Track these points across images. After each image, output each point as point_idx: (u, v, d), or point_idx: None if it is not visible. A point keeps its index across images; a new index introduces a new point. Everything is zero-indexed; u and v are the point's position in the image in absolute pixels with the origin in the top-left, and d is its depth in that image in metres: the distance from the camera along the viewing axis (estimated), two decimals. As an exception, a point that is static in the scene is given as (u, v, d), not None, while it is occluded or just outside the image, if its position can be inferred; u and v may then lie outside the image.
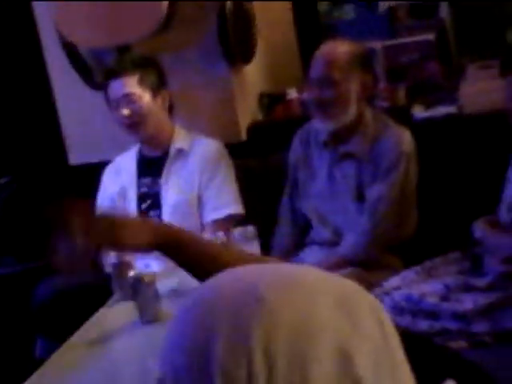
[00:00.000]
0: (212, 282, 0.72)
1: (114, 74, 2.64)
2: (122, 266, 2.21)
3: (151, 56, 2.74)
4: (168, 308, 2.08)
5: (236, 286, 0.69)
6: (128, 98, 2.60)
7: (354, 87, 2.41)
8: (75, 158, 3.29)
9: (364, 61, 2.46)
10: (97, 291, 2.50)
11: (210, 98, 3.05)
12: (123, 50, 2.90)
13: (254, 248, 2.11)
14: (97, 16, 2.85)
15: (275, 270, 0.74)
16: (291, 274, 0.71)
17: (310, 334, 0.64)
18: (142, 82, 2.61)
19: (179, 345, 0.67)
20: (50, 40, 3.13)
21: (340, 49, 2.43)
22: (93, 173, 2.89)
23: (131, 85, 2.60)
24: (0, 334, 2.92)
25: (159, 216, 2.66)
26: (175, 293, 2.18)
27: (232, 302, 0.66)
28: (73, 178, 3.21)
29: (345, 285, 0.71)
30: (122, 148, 2.84)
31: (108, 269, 2.63)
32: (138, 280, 2.03)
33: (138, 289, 2.02)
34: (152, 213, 2.69)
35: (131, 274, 2.09)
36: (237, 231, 2.17)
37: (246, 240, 2.12)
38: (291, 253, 2.58)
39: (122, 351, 1.96)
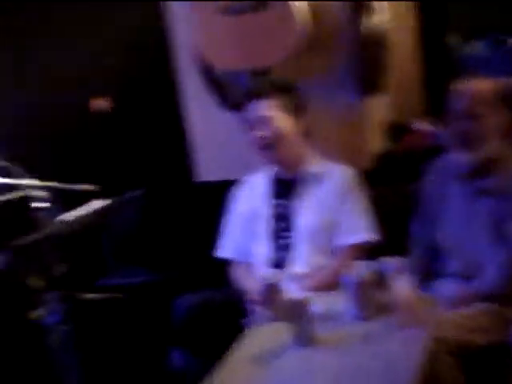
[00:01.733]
0: None
1: (255, 96, 2.71)
2: (273, 288, 2.27)
3: (292, 81, 2.80)
4: (318, 332, 2.13)
5: None
6: (264, 120, 2.67)
7: (496, 123, 2.45)
8: (203, 175, 3.37)
9: (508, 98, 2.49)
10: (232, 307, 2.58)
11: (340, 125, 3.10)
12: (259, 73, 2.97)
13: (406, 279, 2.14)
14: (235, 39, 2.94)
15: None
16: None
17: None
18: (279, 106, 2.68)
19: None
20: (184, 60, 3.22)
21: (484, 85, 2.47)
22: (218, 191, 2.97)
23: (269, 108, 2.67)
24: (130, 344, 3.01)
25: (291, 238, 2.72)
26: (322, 317, 2.23)
27: None
28: (198, 195, 3.30)
29: None
30: (247, 168, 2.90)
31: (241, 286, 2.70)
32: (297, 303, 2.08)
33: (296, 311, 2.08)
34: (284, 234, 2.74)
35: (289, 296, 2.13)
36: (385, 261, 2.20)
37: (398, 272, 2.15)
38: (422, 282, 2.60)
39: (281, 373, 1.98)
